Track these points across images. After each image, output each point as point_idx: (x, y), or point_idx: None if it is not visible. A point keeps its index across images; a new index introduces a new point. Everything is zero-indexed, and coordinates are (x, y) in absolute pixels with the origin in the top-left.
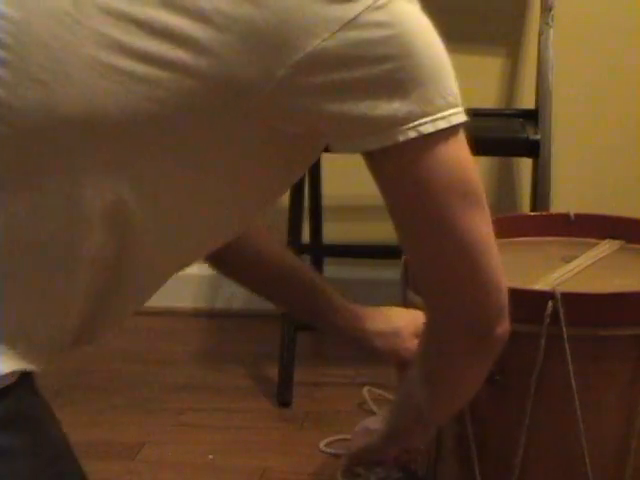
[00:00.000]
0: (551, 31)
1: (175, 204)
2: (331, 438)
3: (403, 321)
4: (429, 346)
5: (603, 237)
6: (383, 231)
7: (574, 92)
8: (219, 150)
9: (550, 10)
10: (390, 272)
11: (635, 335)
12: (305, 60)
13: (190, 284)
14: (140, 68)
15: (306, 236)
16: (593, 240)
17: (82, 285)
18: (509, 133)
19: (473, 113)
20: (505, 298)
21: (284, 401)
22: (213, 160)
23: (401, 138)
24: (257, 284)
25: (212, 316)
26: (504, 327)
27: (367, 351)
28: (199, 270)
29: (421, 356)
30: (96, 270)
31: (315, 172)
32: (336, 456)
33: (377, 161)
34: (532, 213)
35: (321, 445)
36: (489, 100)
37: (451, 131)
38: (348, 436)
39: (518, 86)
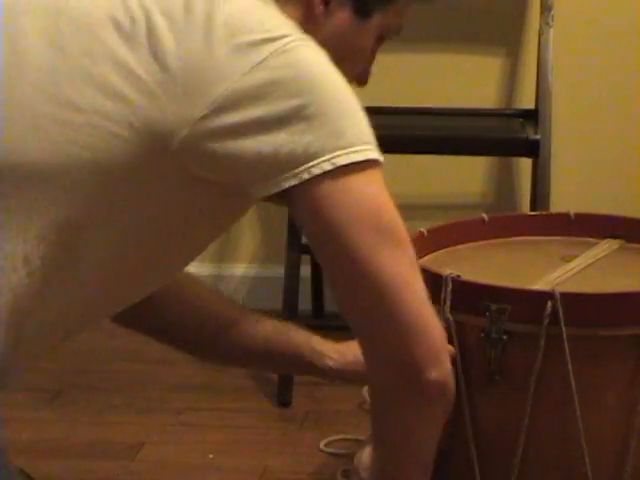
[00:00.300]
0: (551, 31)
1: (99, 253)
2: (331, 438)
3: None
4: (370, 394)
5: (603, 237)
6: None
7: (574, 92)
8: (142, 203)
9: (550, 10)
10: None
11: (634, 335)
12: (218, 102)
13: None
14: (78, 118)
15: None
16: (593, 240)
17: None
18: (509, 133)
19: (473, 113)
20: (437, 340)
21: (284, 401)
22: (137, 213)
23: (316, 171)
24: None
25: None
26: (440, 372)
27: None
28: (199, 270)
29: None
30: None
31: None
32: (336, 456)
33: (295, 199)
34: (532, 213)
35: (321, 445)
36: (489, 100)
37: (366, 165)
38: (348, 436)
39: (518, 86)
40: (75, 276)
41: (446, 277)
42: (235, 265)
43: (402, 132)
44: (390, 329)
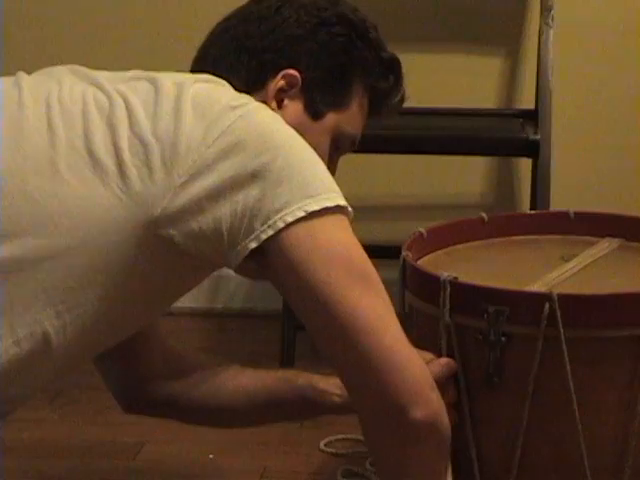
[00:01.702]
0: (551, 31)
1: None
2: (331, 438)
3: None
4: (362, 432)
5: (603, 235)
6: (382, 231)
7: (574, 92)
8: (129, 279)
9: (550, 10)
10: (389, 272)
11: (633, 336)
12: (194, 168)
13: None
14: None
15: None
16: (593, 238)
17: None
18: (509, 133)
19: (473, 113)
20: (418, 377)
21: None
22: (122, 287)
23: (289, 219)
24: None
25: (212, 316)
26: (427, 410)
27: None
28: None
29: None
30: None
31: None
32: (336, 456)
33: (270, 253)
34: (531, 212)
35: (321, 445)
36: (489, 100)
37: (335, 211)
38: (348, 436)
39: (518, 86)
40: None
41: (444, 280)
42: None
43: (402, 132)
44: (369, 370)
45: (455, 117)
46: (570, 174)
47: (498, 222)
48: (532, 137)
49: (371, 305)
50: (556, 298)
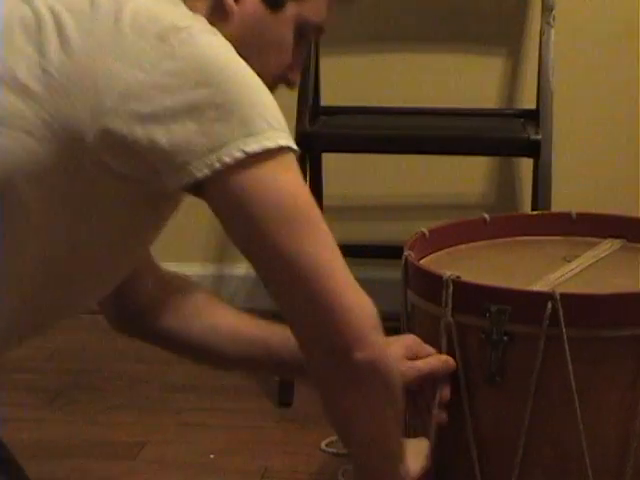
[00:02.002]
0: (552, 31)
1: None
2: (332, 438)
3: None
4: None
5: (604, 236)
6: (383, 231)
7: (575, 92)
8: (70, 204)
9: (551, 10)
10: (390, 272)
11: (635, 336)
12: (129, 92)
13: None
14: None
15: None
16: (594, 239)
17: None
18: (510, 133)
19: (474, 113)
20: (363, 320)
21: (285, 401)
22: (68, 215)
23: (227, 159)
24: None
25: None
26: (368, 351)
27: None
28: (200, 270)
29: None
30: None
31: (316, 172)
32: (337, 456)
33: (209, 192)
34: (534, 212)
35: (322, 445)
36: (489, 100)
37: (277, 152)
38: None
39: (519, 86)
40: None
41: (447, 278)
42: (236, 265)
43: (402, 132)
44: (314, 311)
45: (456, 117)
46: (571, 174)
47: (500, 222)
48: (533, 137)
49: (317, 248)
50: (558, 297)
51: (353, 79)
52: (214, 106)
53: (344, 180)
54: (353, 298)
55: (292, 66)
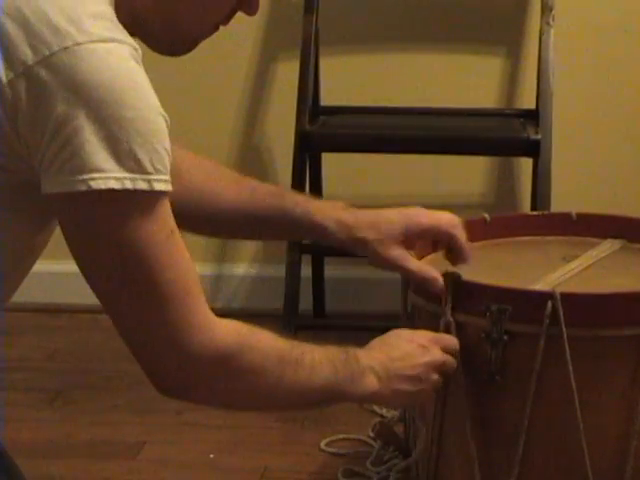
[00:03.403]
0: (552, 31)
1: None
2: (332, 438)
3: (390, 225)
4: None
5: (604, 237)
6: None
7: (574, 92)
8: None
9: (551, 10)
10: (390, 272)
11: (635, 335)
12: (18, 79)
13: None
14: None
15: None
16: (594, 239)
17: None
18: (509, 133)
19: (474, 113)
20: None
21: None
22: None
23: (82, 187)
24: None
25: None
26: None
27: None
28: (199, 270)
29: None
30: None
31: (316, 172)
32: (337, 456)
33: (62, 205)
34: (534, 213)
35: (321, 445)
36: (489, 100)
37: (120, 194)
38: (349, 436)
39: (518, 86)
40: None
41: (447, 278)
42: (235, 265)
43: (402, 132)
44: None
45: (456, 117)
46: (571, 174)
47: (500, 223)
48: (533, 137)
49: (133, 313)
50: (559, 297)
51: (353, 79)
52: (71, 129)
53: (344, 180)
54: (167, 337)
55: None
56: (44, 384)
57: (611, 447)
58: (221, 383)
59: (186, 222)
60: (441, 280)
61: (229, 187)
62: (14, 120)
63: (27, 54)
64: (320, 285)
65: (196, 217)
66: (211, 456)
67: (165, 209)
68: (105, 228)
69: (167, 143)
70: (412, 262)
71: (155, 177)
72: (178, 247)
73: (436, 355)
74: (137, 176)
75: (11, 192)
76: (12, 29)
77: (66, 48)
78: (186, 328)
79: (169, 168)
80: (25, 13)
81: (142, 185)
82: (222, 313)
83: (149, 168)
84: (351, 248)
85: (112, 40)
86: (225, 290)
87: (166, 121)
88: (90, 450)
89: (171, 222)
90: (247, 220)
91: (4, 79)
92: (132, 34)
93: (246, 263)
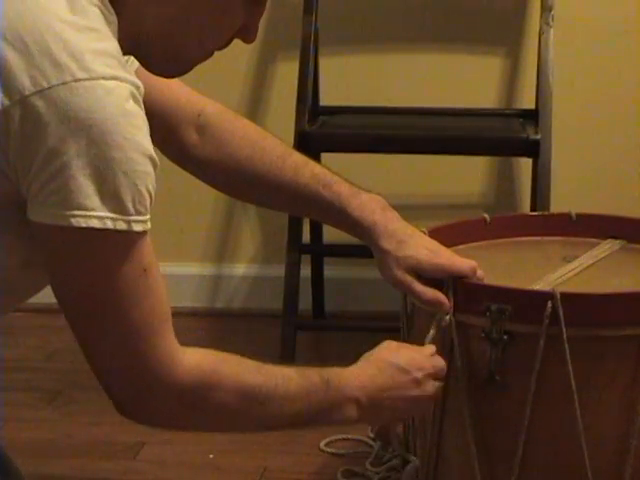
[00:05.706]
0: (551, 31)
1: None
2: (331, 438)
3: (413, 261)
4: None
5: (604, 237)
6: None
7: (574, 92)
8: None
9: (550, 10)
10: None
11: (635, 335)
12: (13, 107)
13: (190, 284)
14: None
15: (306, 236)
16: (594, 240)
17: None
18: (509, 133)
19: (473, 113)
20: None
21: None
22: None
23: (64, 223)
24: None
25: (212, 316)
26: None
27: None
28: (199, 270)
29: None
30: None
31: None
32: (336, 456)
33: (43, 233)
34: (534, 213)
35: (321, 445)
36: (489, 100)
37: (99, 233)
38: (348, 436)
39: (518, 86)
40: None
41: (447, 278)
42: (235, 265)
43: (402, 132)
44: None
45: (455, 117)
46: (570, 174)
47: (500, 222)
48: (532, 137)
49: (104, 341)
50: (558, 297)
51: (352, 79)
52: (64, 166)
53: None
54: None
55: (246, 27)
56: (44, 384)
57: (611, 447)
58: (180, 415)
59: (230, 190)
60: (447, 305)
61: (272, 165)
62: (5, 146)
63: (25, 84)
64: (320, 285)
65: (239, 188)
66: (211, 456)
67: (140, 248)
68: (80, 262)
69: (152, 185)
70: (419, 286)
71: (134, 218)
72: (149, 285)
73: (427, 390)
74: (118, 216)
75: (2, 211)
76: (13, 57)
77: (65, 83)
78: (146, 363)
79: (149, 209)
80: (28, 43)
81: (122, 226)
82: (222, 313)
83: (130, 209)
84: (369, 248)
85: (113, 78)
86: (225, 290)
87: (154, 163)
88: (90, 450)
89: (145, 260)
90: (287, 201)
91: None
92: (128, 54)
93: (245, 263)
